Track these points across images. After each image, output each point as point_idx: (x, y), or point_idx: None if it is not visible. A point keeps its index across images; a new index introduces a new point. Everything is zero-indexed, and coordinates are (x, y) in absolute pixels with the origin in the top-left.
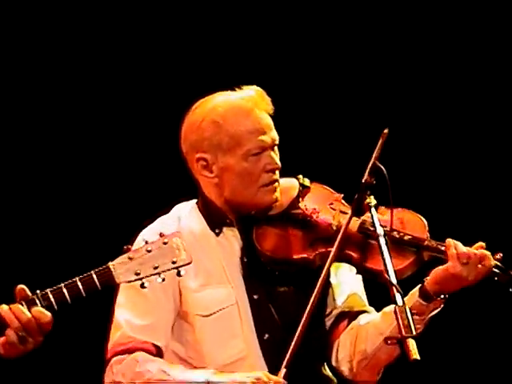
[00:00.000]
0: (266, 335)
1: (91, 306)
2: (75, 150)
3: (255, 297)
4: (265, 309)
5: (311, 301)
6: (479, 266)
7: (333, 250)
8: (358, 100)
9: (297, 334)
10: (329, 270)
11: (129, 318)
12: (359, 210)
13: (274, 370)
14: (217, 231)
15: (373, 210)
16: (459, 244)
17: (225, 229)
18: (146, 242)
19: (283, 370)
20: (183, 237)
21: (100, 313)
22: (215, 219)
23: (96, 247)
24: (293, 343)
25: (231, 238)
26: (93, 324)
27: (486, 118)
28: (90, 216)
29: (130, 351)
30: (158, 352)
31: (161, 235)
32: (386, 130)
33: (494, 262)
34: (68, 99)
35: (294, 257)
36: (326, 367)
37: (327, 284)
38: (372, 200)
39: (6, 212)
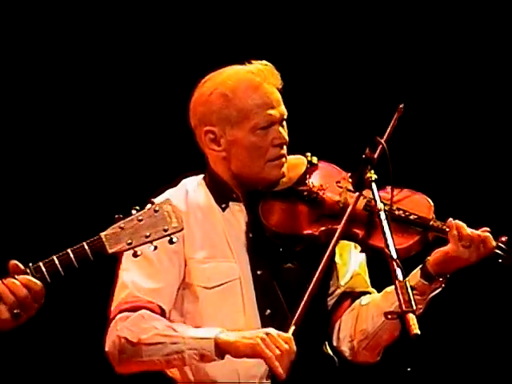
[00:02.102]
0: (268, 311)
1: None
2: (81, 121)
3: (259, 272)
4: (268, 285)
5: (320, 268)
6: (481, 247)
7: (339, 227)
8: (368, 77)
9: (307, 292)
10: (335, 247)
11: (136, 279)
12: (360, 184)
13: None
14: (223, 206)
15: (373, 184)
16: (463, 226)
17: (231, 204)
18: (137, 210)
19: (292, 327)
20: (189, 213)
21: (101, 280)
22: (222, 194)
23: (106, 220)
24: (302, 302)
25: (237, 213)
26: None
27: (492, 100)
28: (100, 189)
29: (135, 309)
30: (163, 314)
31: (151, 203)
32: (401, 105)
33: (495, 244)
34: (71, 73)
35: (300, 232)
36: (328, 346)
37: (331, 263)
38: (372, 175)
39: None
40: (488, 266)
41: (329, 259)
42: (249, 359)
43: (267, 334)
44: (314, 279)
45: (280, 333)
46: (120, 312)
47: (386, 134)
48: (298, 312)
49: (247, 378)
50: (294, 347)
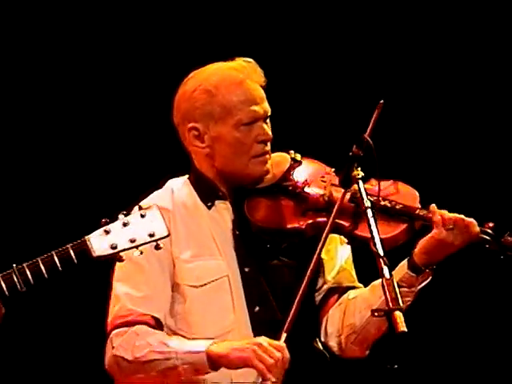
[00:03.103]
0: (257, 308)
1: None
2: (67, 124)
3: (246, 269)
4: (256, 281)
5: (309, 269)
6: (464, 232)
7: (329, 223)
8: (351, 74)
9: (297, 298)
10: (325, 242)
11: (127, 290)
12: (346, 182)
13: None
14: (209, 204)
15: (360, 182)
16: (445, 211)
17: (217, 202)
18: (124, 215)
19: (284, 335)
20: (175, 212)
21: (99, 287)
22: (207, 192)
23: (91, 222)
24: (293, 307)
25: (223, 211)
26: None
27: (474, 89)
28: (84, 191)
29: (129, 324)
30: (158, 324)
31: (138, 208)
32: (381, 101)
33: (479, 229)
34: (60, 71)
35: (286, 226)
36: (319, 342)
37: (318, 262)
38: (359, 172)
39: None
40: (474, 261)
41: (320, 254)
42: None
43: (259, 344)
44: (304, 282)
45: (272, 341)
46: (115, 327)
47: (369, 129)
48: (289, 318)
49: (240, 379)
50: (287, 355)
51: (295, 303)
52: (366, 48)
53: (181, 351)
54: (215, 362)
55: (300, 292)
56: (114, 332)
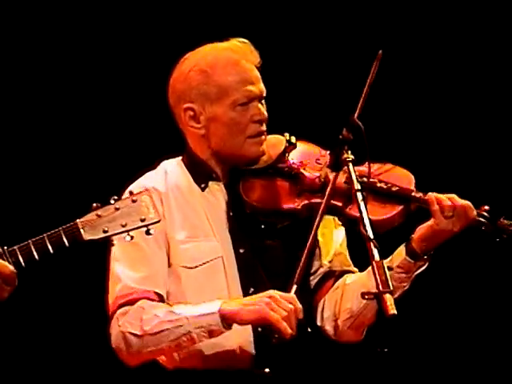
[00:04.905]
0: (252, 289)
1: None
2: (58, 106)
3: (241, 251)
4: (251, 263)
5: (311, 235)
6: (463, 216)
7: (322, 204)
8: (345, 57)
9: (305, 251)
10: (319, 223)
11: (127, 270)
12: (337, 164)
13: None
14: (203, 186)
15: (350, 165)
16: (442, 197)
17: (211, 183)
18: (115, 200)
19: (294, 286)
20: (168, 194)
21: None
22: (201, 174)
23: (85, 203)
24: (303, 258)
25: (217, 192)
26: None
27: (466, 73)
28: (77, 174)
29: (133, 302)
30: (161, 299)
31: (130, 193)
32: (380, 52)
33: (476, 212)
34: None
35: (281, 207)
36: (308, 328)
37: (314, 242)
38: (349, 155)
39: None
40: (472, 235)
41: (315, 233)
42: (236, 347)
43: (270, 296)
44: (310, 239)
45: (282, 293)
46: (119, 307)
47: (367, 85)
48: (298, 271)
49: (234, 363)
50: (299, 305)
51: (304, 254)
52: (359, 28)
53: (191, 316)
54: (228, 320)
55: (309, 242)
56: (118, 311)
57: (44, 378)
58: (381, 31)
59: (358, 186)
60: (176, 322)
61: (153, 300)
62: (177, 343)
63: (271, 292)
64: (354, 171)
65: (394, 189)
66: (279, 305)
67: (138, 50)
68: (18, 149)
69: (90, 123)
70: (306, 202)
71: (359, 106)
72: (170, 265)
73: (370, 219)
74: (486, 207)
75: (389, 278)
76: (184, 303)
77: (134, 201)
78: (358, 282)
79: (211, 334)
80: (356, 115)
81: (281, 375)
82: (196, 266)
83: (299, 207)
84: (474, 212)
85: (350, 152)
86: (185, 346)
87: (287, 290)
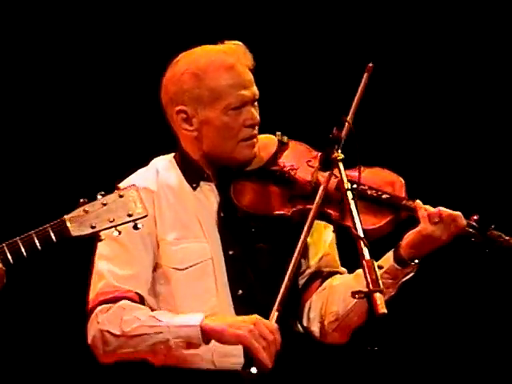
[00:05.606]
0: (240, 291)
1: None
2: (49, 102)
3: (231, 252)
4: (240, 265)
5: (296, 252)
6: (451, 225)
7: (313, 210)
8: (338, 57)
9: (287, 275)
10: (310, 228)
11: (111, 268)
12: (327, 164)
13: None
14: (194, 185)
15: (340, 164)
16: (428, 206)
17: (202, 183)
18: (102, 195)
19: (276, 313)
20: (160, 193)
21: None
22: (193, 173)
23: (71, 202)
24: (283, 285)
25: (208, 192)
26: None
27: (460, 78)
28: (71, 168)
29: (114, 300)
30: (141, 300)
31: (117, 188)
32: (370, 64)
33: (466, 222)
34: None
35: (272, 213)
36: (299, 325)
37: (300, 258)
38: (339, 155)
39: None
40: (461, 246)
41: (304, 243)
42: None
43: (255, 324)
44: (292, 263)
45: (266, 322)
46: (99, 304)
47: (357, 97)
48: (279, 297)
49: (222, 364)
50: (280, 338)
51: (286, 280)
52: (352, 30)
53: (173, 325)
54: (209, 336)
55: (290, 269)
56: (98, 308)
57: (29, 375)
58: (373, 33)
59: (348, 185)
60: (156, 328)
61: (134, 300)
62: (153, 349)
63: (256, 319)
64: (349, 170)
65: (384, 196)
66: (262, 334)
67: (131, 48)
68: (6, 146)
69: (81, 120)
70: (297, 208)
71: (350, 112)
72: (160, 266)
73: (358, 220)
74: (475, 217)
75: (379, 276)
76: (173, 305)
77: (121, 196)
78: (344, 284)
79: (189, 345)
80: (349, 118)
81: (268, 375)
82: (186, 268)
83: (289, 214)
84: (464, 221)
85: (340, 151)
86: (160, 353)
87: (268, 315)
